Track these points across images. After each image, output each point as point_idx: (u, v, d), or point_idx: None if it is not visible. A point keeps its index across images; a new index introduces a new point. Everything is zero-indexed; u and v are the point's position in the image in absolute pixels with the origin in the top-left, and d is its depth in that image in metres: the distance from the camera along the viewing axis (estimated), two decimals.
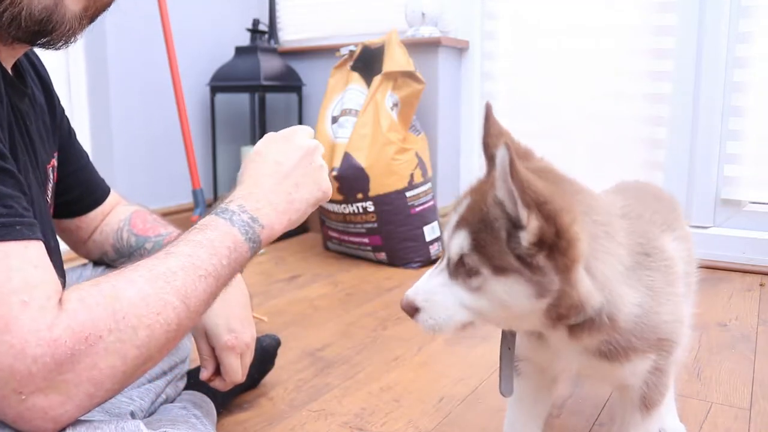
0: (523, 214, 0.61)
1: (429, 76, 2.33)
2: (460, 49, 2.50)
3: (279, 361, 1.32)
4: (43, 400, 0.57)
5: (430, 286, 0.69)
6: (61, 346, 0.57)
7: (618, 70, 2.27)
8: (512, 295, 0.64)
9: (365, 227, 2.21)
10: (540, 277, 0.63)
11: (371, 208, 2.18)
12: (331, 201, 2.26)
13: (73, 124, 1.02)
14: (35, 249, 0.61)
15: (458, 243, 0.66)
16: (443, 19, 2.47)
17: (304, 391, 1.25)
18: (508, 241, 0.63)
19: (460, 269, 0.67)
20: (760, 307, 1.73)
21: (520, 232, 0.62)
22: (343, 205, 2.23)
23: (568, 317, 0.66)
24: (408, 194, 2.17)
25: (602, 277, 0.66)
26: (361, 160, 2.16)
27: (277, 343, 1.31)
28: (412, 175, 2.19)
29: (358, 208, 2.20)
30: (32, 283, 0.58)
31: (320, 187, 0.83)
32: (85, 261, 1.10)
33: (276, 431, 1.10)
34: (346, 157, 2.19)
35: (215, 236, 0.71)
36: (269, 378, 1.29)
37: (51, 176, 0.88)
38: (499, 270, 0.64)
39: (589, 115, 2.34)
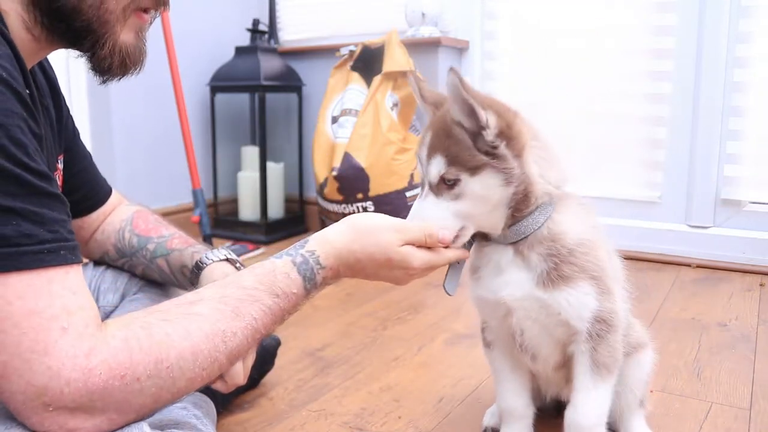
0: (483, 114, 0.78)
1: (429, 76, 2.33)
2: (460, 49, 2.50)
3: (279, 361, 1.32)
4: (67, 415, 0.60)
5: (422, 208, 0.83)
6: (95, 377, 0.60)
7: (618, 70, 2.27)
8: (488, 187, 0.80)
9: None
10: (505, 164, 0.80)
11: (371, 208, 2.18)
12: (331, 201, 2.26)
13: None
14: (75, 274, 0.63)
15: (436, 166, 0.81)
16: (443, 19, 2.47)
17: (304, 391, 1.25)
18: (474, 144, 0.79)
19: (442, 186, 0.81)
20: (760, 307, 1.73)
21: (484, 131, 0.78)
22: (343, 205, 2.23)
23: (522, 205, 0.82)
24: (408, 194, 2.17)
25: (545, 176, 0.83)
26: (361, 160, 2.16)
27: (277, 343, 1.31)
28: (412, 175, 2.19)
29: (358, 208, 2.20)
30: (71, 309, 0.61)
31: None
32: (86, 260, 1.10)
33: (276, 431, 1.10)
34: (346, 157, 2.19)
35: (287, 306, 0.74)
36: (269, 378, 1.29)
37: (58, 180, 0.89)
38: (474, 170, 0.79)
39: (589, 115, 2.34)
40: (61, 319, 0.60)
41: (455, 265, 0.87)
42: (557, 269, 0.83)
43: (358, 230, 0.79)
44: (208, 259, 1.00)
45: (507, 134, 0.80)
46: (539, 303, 0.85)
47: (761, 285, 1.93)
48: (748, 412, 1.15)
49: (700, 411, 1.15)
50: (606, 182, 2.34)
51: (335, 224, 0.81)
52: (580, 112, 2.35)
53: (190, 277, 1.01)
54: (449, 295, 0.87)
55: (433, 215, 0.82)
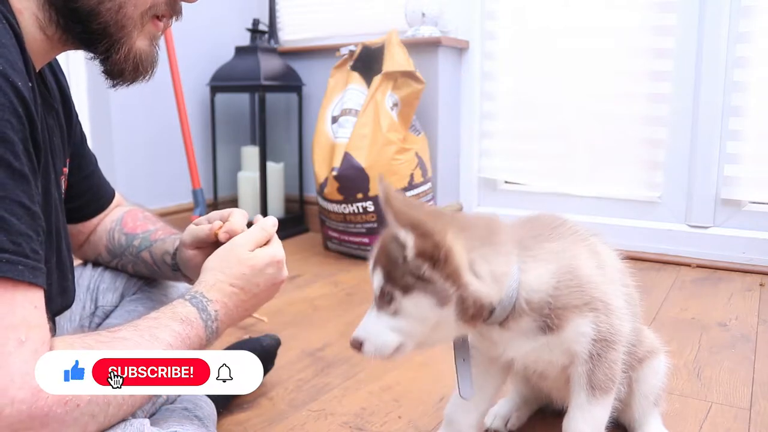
0: (401, 233, 0.74)
1: (429, 76, 2.33)
2: (460, 49, 2.50)
3: (279, 361, 1.32)
4: None
5: (366, 321, 0.81)
6: (42, 400, 0.57)
7: (618, 70, 2.27)
8: (421, 308, 0.76)
9: (365, 227, 2.21)
10: (434, 287, 0.75)
11: (371, 208, 2.18)
12: (331, 201, 2.26)
13: None
14: (35, 292, 0.60)
15: (377, 279, 0.79)
16: (443, 19, 2.47)
17: (304, 391, 1.25)
18: (404, 263, 0.75)
19: (383, 300, 0.78)
20: (760, 307, 1.73)
21: (406, 251, 0.74)
22: (343, 205, 2.23)
23: (479, 316, 0.78)
24: (408, 194, 2.17)
25: (493, 275, 0.78)
26: (361, 160, 2.16)
27: (277, 343, 1.31)
28: (412, 175, 2.19)
29: (358, 208, 2.20)
30: (31, 323, 0.58)
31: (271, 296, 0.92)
32: (79, 262, 1.10)
33: (276, 431, 1.10)
34: (346, 157, 2.19)
35: (193, 334, 0.76)
36: (269, 378, 1.29)
37: (63, 185, 0.89)
38: (405, 289, 0.76)
39: (589, 115, 2.34)
40: (19, 331, 0.57)
41: (462, 364, 0.87)
42: (549, 320, 0.81)
43: (216, 266, 0.84)
44: None
45: (432, 255, 0.74)
46: (539, 348, 0.85)
47: (761, 285, 1.93)
48: (748, 412, 1.15)
49: (700, 411, 1.15)
50: (606, 182, 2.34)
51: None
52: (580, 112, 2.35)
53: (172, 263, 1.00)
54: (466, 399, 0.88)
55: (373, 330, 0.80)
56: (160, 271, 1.04)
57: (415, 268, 0.75)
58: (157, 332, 0.71)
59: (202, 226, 0.95)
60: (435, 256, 0.74)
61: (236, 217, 0.94)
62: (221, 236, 0.91)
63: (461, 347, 0.88)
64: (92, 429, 0.63)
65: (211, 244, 0.92)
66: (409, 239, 0.74)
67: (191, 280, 1.01)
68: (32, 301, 0.59)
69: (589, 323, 0.82)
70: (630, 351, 0.92)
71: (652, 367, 1.00)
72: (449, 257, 0.74)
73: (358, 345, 0.80)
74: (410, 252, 0.74)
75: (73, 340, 0.65)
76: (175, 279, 1.05)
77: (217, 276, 0.83)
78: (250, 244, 0.87)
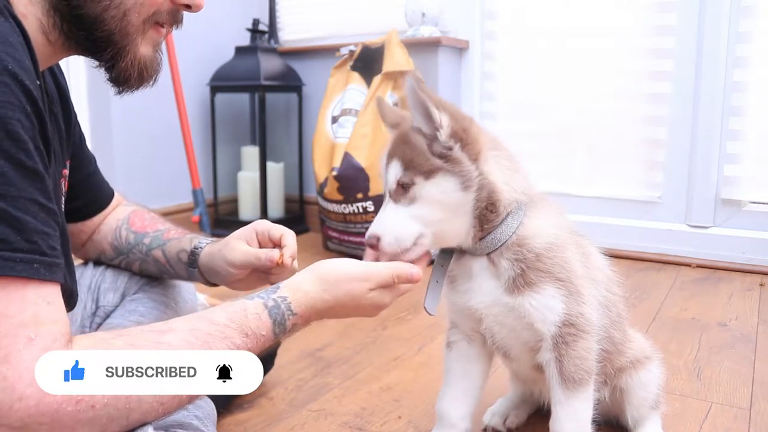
0: (436, 114, 0.78)
1: (429, 76, 2.33)
2: (460, 49, 2.50)
3: (279, 361, 1.32)
4: None
5: (381, 216, 0.83)
6: (50, 397, 0.57)
7: (618, 70, 2.27)
8: (444, 191, 0.80)
9: (365, 227, 2.21)
10: (460, 168, 0.79)
11: (371, 208, 2.18)
12: (331, 201, 2.26)
13: None
14: (50, 288, 0.60)
15: (393, 171, 0.81)
16: (443, 19, 2.47)
17: (304, 391, 1.25)
18: (429, 148, 0.80)
19: (399, 191, 0.81)
20: (760, 307, 1.73)
21: (438, 132, 0.79)
22: (343, 205, 2.23)
23: (494, 214, 0.82)
24: None
25: (506, 178, 0.83)
26: (361, 160, 2.16)
27: (277, 344, 1.31)
28: None
29: (358, 208, 2.20)
30: (42, 320, 0.58)
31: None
32: (80, 261, 1.10)
33: (276, 431, 1.10)
34: (346, 157, 2.19)
35: (254, 347, 0.72)
36: (269, 378, 1.29)
37: (63, 187, 0.89)
38: (429, 173, 0.79)
39: (589, 115, 2.34)
40: (29, 328, 0.57)
41: (434, 284, 0.88)
42: (524, 275, 0.82)
43: (327, 281, 0.79)
44: (207, 240, 1.02)
45: (462, 137, 0.80)
46: (506, 308, 0.85)
47: (761, 285, 1.93)
48: (748, 412, 1.15)
49: (700, 411, 1.15)
50: (606, 182, 2.34)
51: (303, 272, 0.81)
52: (580, 112, 2.35)
53: (188, 261, 1.01)
54: (429, 314, 0.87)
55: (391, 221, 0.82)
56: (173, 269, 1.04)
57: (446, 148, 0.79)
58: (213, 343, 0.68)
59: (257, 252, 0.94)
60: (464, 138, 0.79)
61: (290, 240, 0.94)
62: (287, 261, 0.91)
63: (439, 270, 0.89)
64: (114, 429, 0.62)
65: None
66: (444, 119, 0.78)
67: (208, 281, 1.02)
68: (45, 297, 0.59)
69: (559, 299, 0.82)
70: (605, 357, 0.91)
71: (639, 380, 0.97)
72: (476, 139, 0.80)
73: (375, 240, 0.81)
74: (445, 131, 0.79)
75: (100, 340, 0.63)
76: (189, 278, 1.05)
77: (321, 295, 0.78)
78: (370, 286, 0.80)
